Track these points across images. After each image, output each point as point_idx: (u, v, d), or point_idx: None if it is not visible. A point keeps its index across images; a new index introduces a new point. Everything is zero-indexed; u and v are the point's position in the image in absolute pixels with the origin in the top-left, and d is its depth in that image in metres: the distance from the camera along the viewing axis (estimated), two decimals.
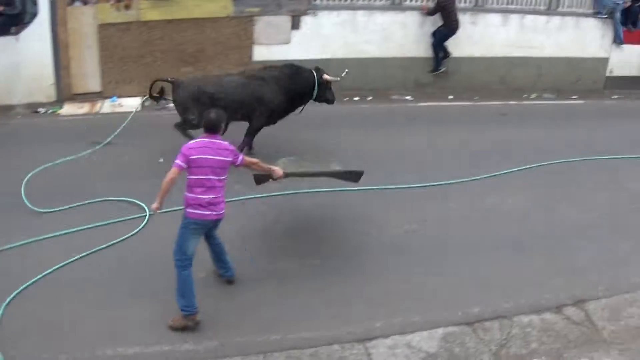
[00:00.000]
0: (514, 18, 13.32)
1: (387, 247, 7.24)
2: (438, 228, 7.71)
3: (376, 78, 12.66)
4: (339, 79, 9.21)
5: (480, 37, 13.13)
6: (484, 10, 13.12)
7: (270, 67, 9.32)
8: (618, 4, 13.79)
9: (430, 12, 12.50)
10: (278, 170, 6.40)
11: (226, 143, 5.85)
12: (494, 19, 13.20)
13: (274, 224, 7.63)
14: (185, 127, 8.79)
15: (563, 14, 13.74)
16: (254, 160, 6.27)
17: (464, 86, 13.00)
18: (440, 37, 12.66)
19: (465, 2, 13.02)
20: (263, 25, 11.98)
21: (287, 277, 6.62)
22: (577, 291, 6.66)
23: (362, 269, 6.85)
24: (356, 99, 12.31)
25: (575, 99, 13.54)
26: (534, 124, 11.56)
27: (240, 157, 5.95)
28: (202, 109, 7.86)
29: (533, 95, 13.39)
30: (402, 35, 12.76)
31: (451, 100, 12.72)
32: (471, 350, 5.82)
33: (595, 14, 14.00)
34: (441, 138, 10.41)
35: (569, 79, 13.92)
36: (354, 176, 7.16)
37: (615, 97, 14.07)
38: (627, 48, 14.38)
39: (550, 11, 13.62)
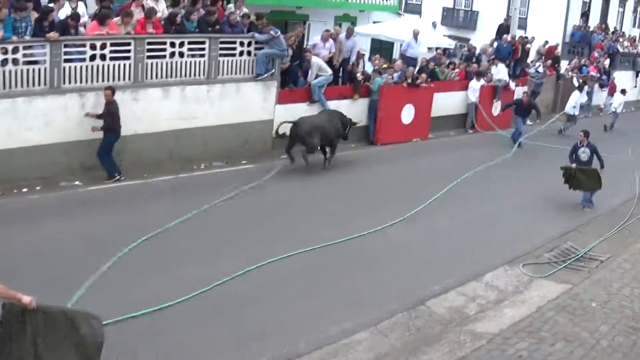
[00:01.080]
0: (175, 90, 14.35)
1: None
2: None
3: (42, 166, 12.66)
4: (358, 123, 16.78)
5: (143, 113, 13.87)
6: (144, 85, 13.91)
7: (334, 110, 16.31)
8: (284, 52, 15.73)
9: (100, 116, 12.91)
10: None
11: None
12: (155, 93, 14.08)
13: None
14: (308, 153, 14.91)
15: (224, 82, 15.18)
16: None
17: (134, 164, 13.58)
18: (107, 146, 13.08)
19: (124, 79, 13.68)
20: None
21: None
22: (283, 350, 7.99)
23: None
24: (25, 190, 12.26)
25: (245, 164, 15.03)
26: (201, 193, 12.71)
27: None
28: (318, 137, 14.82)
29: (202, 166, 14.51)
30: (63, 119, 12.94)
31: (121, 180, 13.24)
32: None
33: (255, 77, 15.71)
34: (109, 225, 10.92)
35: (237, 144, 15.41)
36: None
37: (284, 156, 15.70)
38: (290, 107, 16.38)
39: (210, 80, 14.95)
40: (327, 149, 15.65)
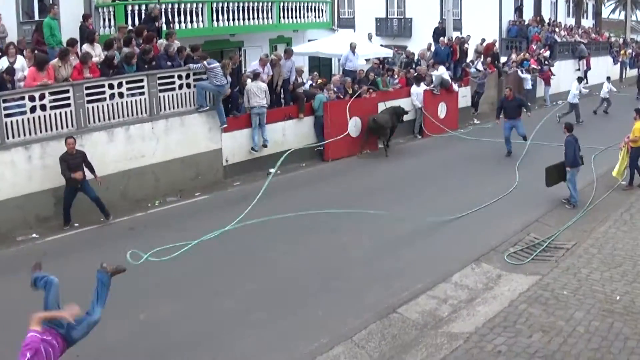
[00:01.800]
0: (120, 131, 14.96)
1: None
2: None
3: None
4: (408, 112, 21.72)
5: (91, 158, 14.16)
6: (88, 130, 14.49)
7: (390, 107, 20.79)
8: (224, 84, 16.34)
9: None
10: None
11: None
12: (100, 136, 14.67)
13: None
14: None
15: (167, 117, 15.87)
16: None
17: (89, 210, 14.04)
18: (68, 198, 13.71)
19: (67, 126, 14.22)
20: None
21: None
22: None
23: None
24: None
25: (199, 196, 15.69)
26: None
27: None
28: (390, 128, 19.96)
29: (157, 203, 15.12)
30: (12, 174, 13.41)
31: (77, 227, 13.72)
32: None
33: (197, 109, 16.45)
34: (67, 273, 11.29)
35: (189, 177, 16.09)
36: None
37: (237, 184, 16.65)
38: (237, 134, 17.21)
39: (153, 117, 15.61)
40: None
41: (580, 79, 27.38)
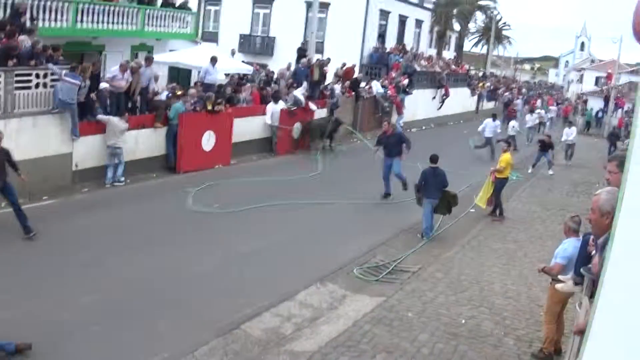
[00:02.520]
0: None
1: None
2: None
3: None
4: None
5: None
6: None
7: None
8: (73, 101, 16.88)
9: None
10: None
11: None
12: None
13: None
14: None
15: (20, 115, 16.18)
16: None
17: None
18: None
19: None
20: None
21: None
22: None
23: None
24: None
25: (46, 200, 16.07)
26: None
27: None
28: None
29: (2, 204, 14.93)
30: None
31: None
32: None
33: (52, 110, 16.92)
34: None
35: (38, 179, 16.25)
36: None
37: (85, 190, 17.27)
38: (89, 139, 17.80)
39: (7, 114, 15.88)
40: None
41: (494, 117, 30.32)
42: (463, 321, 10.84)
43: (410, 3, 46.29)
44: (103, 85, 18.76)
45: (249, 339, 9.98)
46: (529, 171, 26.34)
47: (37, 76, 16.75)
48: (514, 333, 10.60)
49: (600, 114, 55.33)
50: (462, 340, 10.13)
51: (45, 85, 16.88)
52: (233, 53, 29.60)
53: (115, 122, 18.05)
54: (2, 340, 8.83)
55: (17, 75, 16.23)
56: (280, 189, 19.26)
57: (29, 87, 16.56)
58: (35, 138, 16.54)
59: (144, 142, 19.49)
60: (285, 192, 18.86)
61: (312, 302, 11.53)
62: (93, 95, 18.24)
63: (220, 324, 10.31)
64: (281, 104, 24.33)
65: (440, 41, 57.47)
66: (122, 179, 18.32)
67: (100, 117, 18.07)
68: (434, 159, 15.80)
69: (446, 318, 10.92)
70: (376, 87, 32.37)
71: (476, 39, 77.20)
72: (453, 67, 46.66)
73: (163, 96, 20.88)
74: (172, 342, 9.64)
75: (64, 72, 16.75)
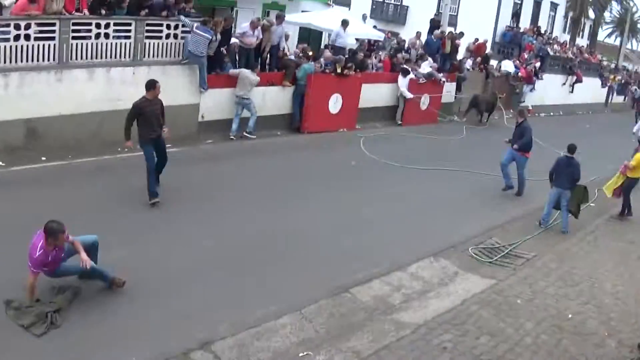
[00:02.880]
0: (100, 72, 15.30)
1: None
2: None
3: None
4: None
5: (68, 94, 14.71)
6: (69, 66, 14.80)
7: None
8: (202, 54, 16.82)
9: None
10: None
11: None
12: (80, 74, 14.98)
13: None
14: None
15: (149, 64, 16.22)
16: None
17: (58, 145, 14.44)
18: None
19: (48, 59, 14.52)
20: None
21: None
22: (201, 334, 8.39)
23: None
24: None
25: (170, 148, 15.93)
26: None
27: None
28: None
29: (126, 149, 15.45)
30: None
31: (45, 161, 14.03)
32: None
33: (182, 61, 16.87)
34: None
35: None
36: None
37: (209, 141, 17.10)
38: (216, 92, 17.65)
39: (136, 62, 15.98)
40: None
41: None
42: (570, 315, 10.38)
43: None
44: (233, 40, 18.54)
45: (356, 304, 9.96)
46: None
47: (168, 27, 16.76)
48: (618, 335, 9.94)
49: None
50: (566, 334, 9.73)
51: (175, 36, 16.89)
52: (364, 18, 28.88)
53: (248, 74, 17.89)
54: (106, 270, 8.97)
55: (148, 25, 16.28)
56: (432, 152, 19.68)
57: (159, 37, 16.60)
58: (163, 87, 15.96)
59: (271, 99, 19.26)
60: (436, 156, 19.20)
61: (423, 275, 11.40)
62: (223, 49, 18.10)
63: (329, 285, 10.31)
64: (410, 76, 23.52)
65: (575, 27, 54.86)
66: (254, 131, 18.19)
67: (232, 71, 17.96)
68: (571, 148, 14.75)
69: (553, 310, 10.50)
70: (508, 66, 30.98)
71: (610, 30, 73.88)
72: (586, 55, 44.39)
73: (292, 56, 20.56)
74: (281, 296, 9.69)
75: (195, 24, 16.69)
